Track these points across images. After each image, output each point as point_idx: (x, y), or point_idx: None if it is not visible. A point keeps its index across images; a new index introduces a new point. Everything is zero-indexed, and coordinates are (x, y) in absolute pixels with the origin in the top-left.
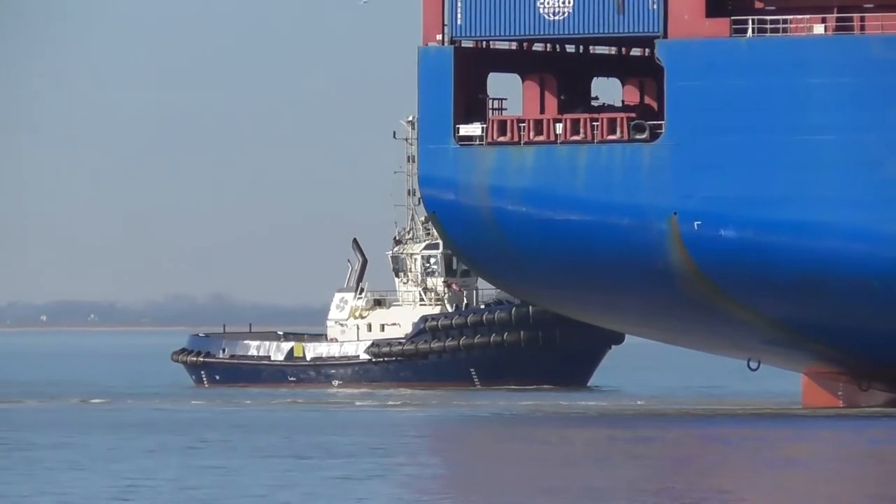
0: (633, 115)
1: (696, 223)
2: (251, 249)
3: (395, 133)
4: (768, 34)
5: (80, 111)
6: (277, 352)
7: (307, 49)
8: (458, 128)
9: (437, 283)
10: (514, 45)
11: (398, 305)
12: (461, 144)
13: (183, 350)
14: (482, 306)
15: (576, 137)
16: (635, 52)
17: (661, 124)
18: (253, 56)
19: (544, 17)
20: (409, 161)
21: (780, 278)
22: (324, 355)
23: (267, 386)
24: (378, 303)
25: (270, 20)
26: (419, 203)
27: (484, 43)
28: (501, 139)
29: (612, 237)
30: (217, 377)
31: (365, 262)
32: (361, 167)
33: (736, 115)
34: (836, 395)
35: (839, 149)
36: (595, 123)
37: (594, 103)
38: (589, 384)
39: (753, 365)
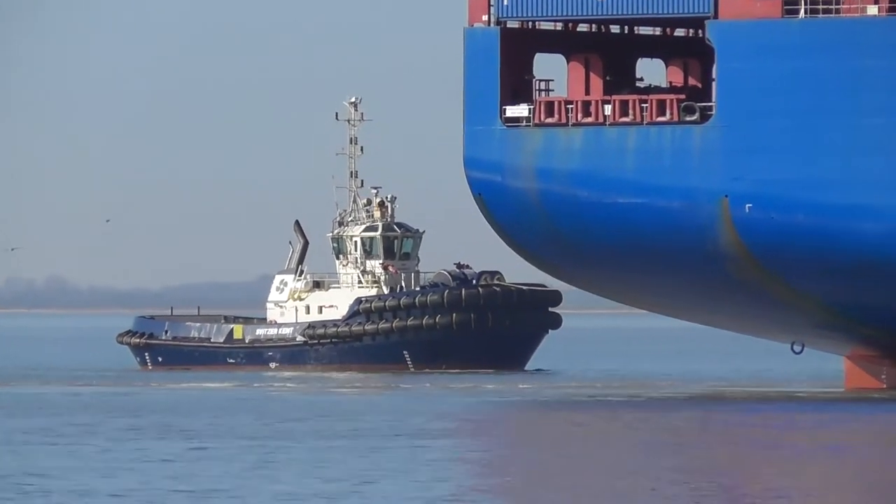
0: (683, 96)
1: (747, 206)
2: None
3: (337, 115)
4: (821, 15)
5: None
6: (218, 334)
7: (261, 32)
8: (505, 109)
9: (375, 265)
10: (559, 26)
11: (337, 287)
12: (508, 126)
13: (128, 332)
14: (418, 289)
15: (624, 119)
16: (679, 32)
17: (711, 106)
18: (199, 38)
19: None
20: (350, 143)
21: (832, 262)
22: (261, 337)
23: (206, 368)
24: (317, 285)
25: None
26: (361, 185)
27: (530, 24)
28: (549, 121)
29: (662, 220)
30: (160, 359)
31: (306, 243)
32: (304, 149)
33: (788, 97)
34: (880, 379)
35: (892, 131)
36: (644, 105)
37: (639, 84)
38: (527, 368)
39: (797, 348)
